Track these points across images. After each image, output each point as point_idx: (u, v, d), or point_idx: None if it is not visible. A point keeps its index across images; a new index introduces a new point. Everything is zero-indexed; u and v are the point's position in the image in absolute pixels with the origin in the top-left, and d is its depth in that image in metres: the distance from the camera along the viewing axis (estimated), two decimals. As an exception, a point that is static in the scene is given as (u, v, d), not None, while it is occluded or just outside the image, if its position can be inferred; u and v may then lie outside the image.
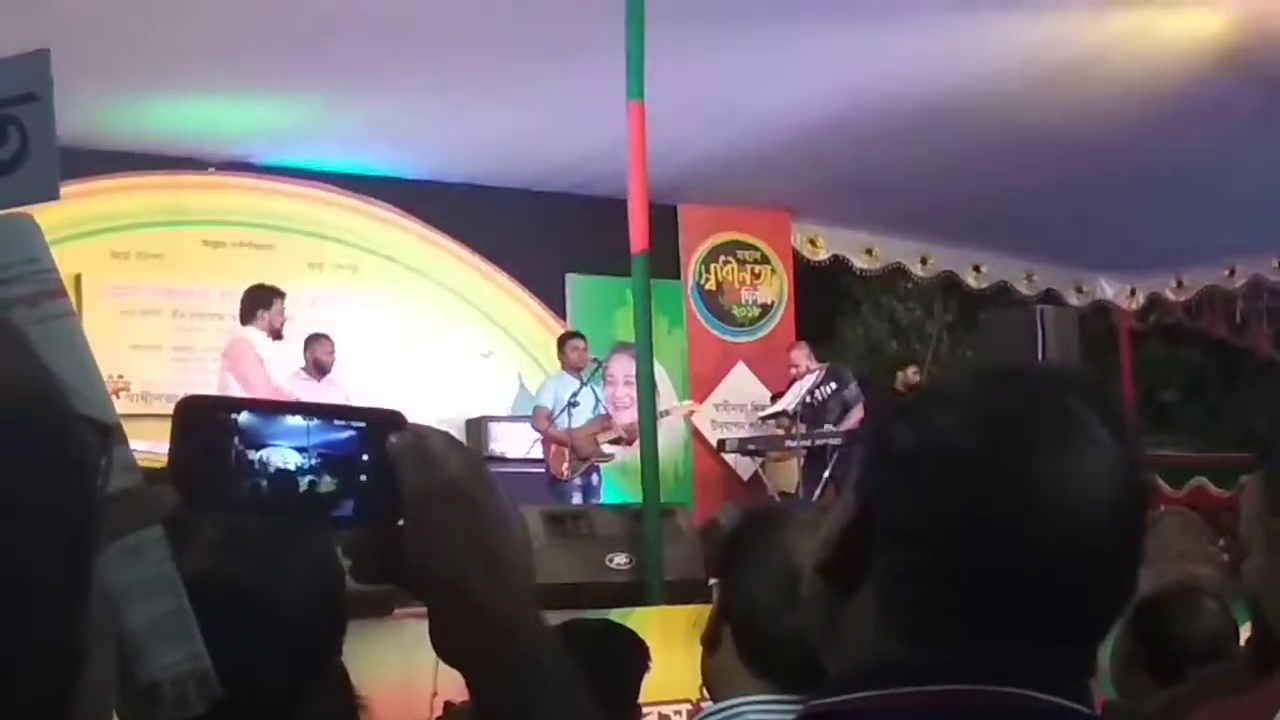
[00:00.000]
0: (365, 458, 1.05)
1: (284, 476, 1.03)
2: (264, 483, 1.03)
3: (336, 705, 2.40)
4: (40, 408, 0.60)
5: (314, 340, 10.00)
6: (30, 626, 0.57)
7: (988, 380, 1.22)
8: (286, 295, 9.82)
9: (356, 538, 1.09)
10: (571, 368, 10.65)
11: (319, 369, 9.94)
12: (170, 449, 1.01)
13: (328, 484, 1.04)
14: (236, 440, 1.02)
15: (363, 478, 1.04)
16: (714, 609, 2.10)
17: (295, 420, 1.05)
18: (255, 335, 9.63)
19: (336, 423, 1.06)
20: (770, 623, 1.94)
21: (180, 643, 0.89)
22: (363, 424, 1.06)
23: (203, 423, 1.03)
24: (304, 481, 1.04)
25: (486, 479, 1.10)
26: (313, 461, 1.04)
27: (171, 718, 0.87)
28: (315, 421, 1.05)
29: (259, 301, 9.69)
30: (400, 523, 1.04)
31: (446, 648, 1.07)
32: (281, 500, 1.04)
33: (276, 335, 9.68)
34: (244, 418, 1.03)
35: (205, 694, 0.90)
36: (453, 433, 1.13)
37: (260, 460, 1.03)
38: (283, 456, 1.03)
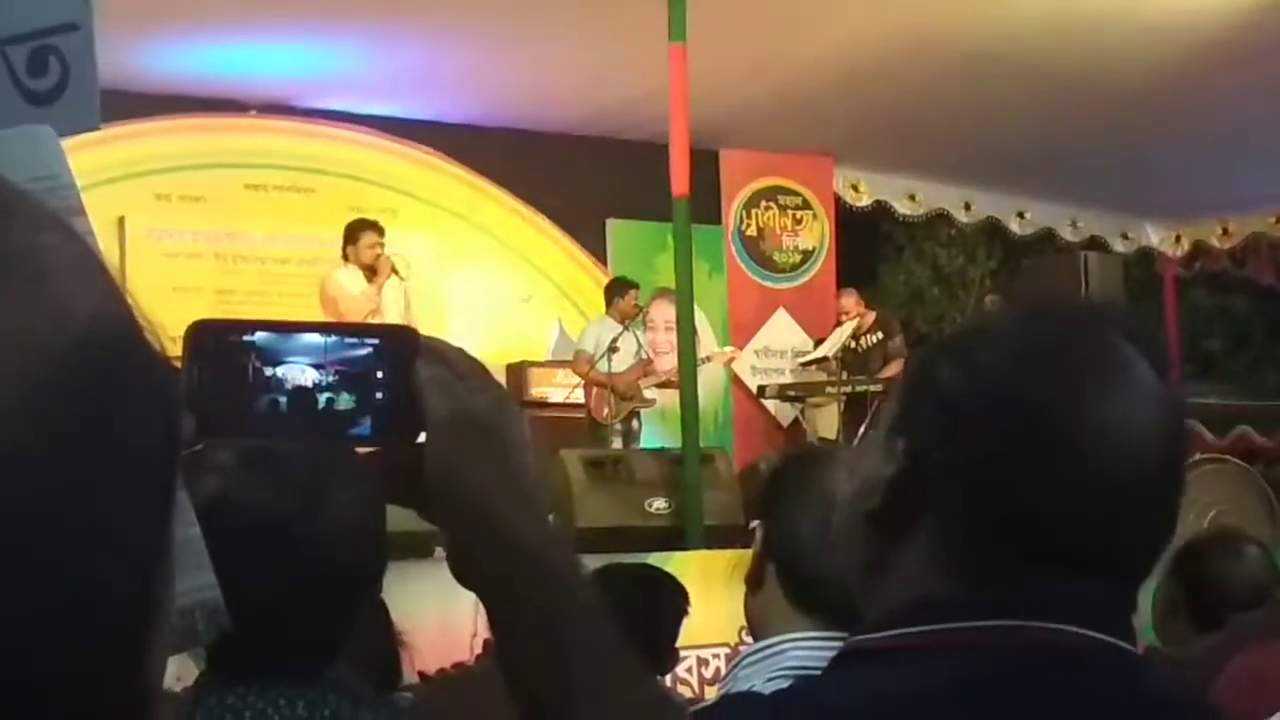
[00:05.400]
0: (380, 375, 1.04)
1: (302, 393, 1.02)
2: (282, 399, 1.02)
3: (377, 642, 2.41)
4: (136, 341, 0.59)
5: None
6: (123, 573, 0.56)
7: (1035, 319, 1.21)
8: (383, 229, 9.58)
9: (374, 456, 1.09)
10: (623, 316, 10.58)
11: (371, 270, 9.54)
12: (183, 373, 0.99)
13: (345, 401, 1.03)
14: (253, 358, 1.01)
15: (379, 396, 1.04)
16: (757, 548, 2.10)
17: (311, 337, 1.04)
18: (345, 273, 9.50)
19: (351, 340, 1.05)
20: (814, 561, 1.94)
21: (189, 573, 0.88)
22: (377, 340, 1.05)
23: (216, 345, 1.02)
24: (322, 398, 1.03)
25: (512, 404, 1.09)
26: (330, 378, 1.03)
27: (177, 649, 0.86)
28: (331, 338, 1.04)
29: (348, 237, 9.57)
30: (418, 442, 1.04)
31: (470, 573, 1.06)
32: (300, 417, 1.03)
33: (371, 271, 9.43)
34: (258, 336, 1.02)
35: (214, 625, 0.89)
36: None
37: (277, 376, 1.02)
38: (300, 372, 1.02)
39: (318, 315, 9.75)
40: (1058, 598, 1.12)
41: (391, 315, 9.38)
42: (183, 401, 0.63)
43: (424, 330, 1.11)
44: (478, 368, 1.08)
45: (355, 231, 9.58)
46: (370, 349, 1.04)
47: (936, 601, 1.13)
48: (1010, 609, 1.12)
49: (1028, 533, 1.13)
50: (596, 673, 1.06)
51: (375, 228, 9.61)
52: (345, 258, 9.56)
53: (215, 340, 1.02)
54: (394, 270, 9.51)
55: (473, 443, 1.04)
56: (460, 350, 1.08)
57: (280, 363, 1.02)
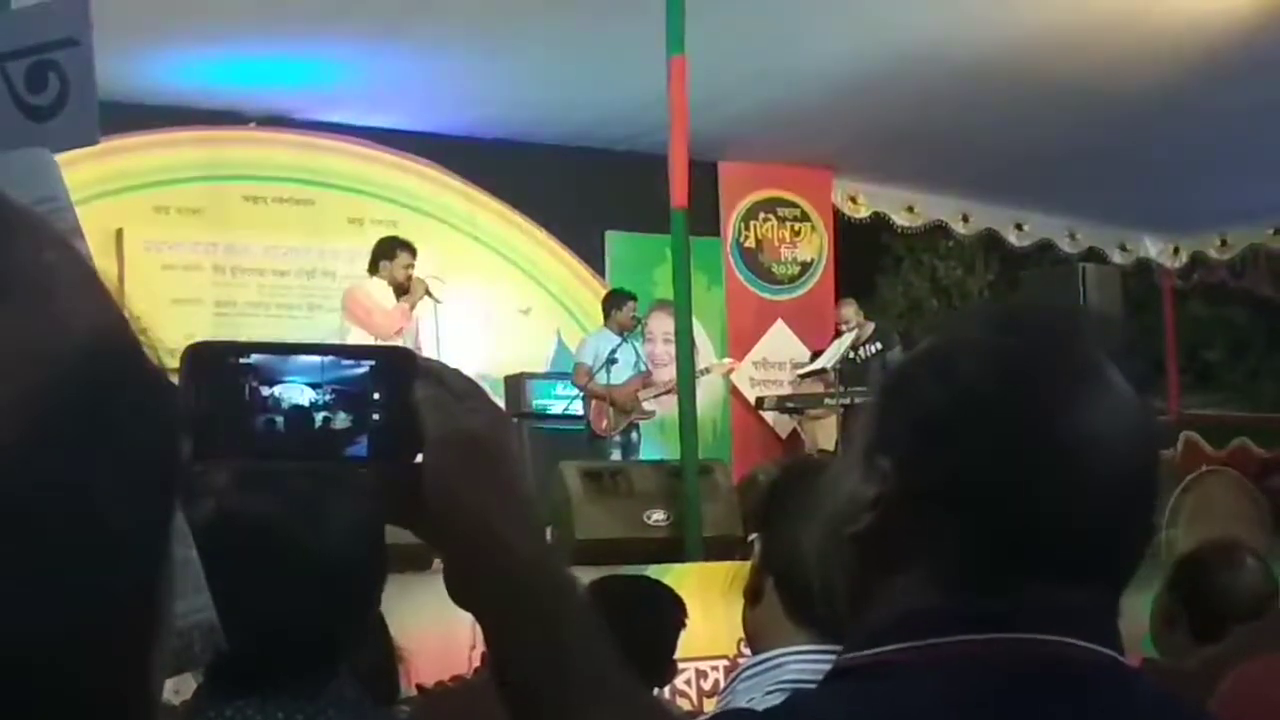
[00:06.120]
0: (377, 396, 1.04)
1: (299, 413, 1.02)
2: (279, 419, 1.02)
3: (375, 655, 2.41)
4: (135, 356, 0.59)
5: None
6: (123, 582, 0.56)
7: (1008, 328, 1.20)
8: (416, 250, 9.60)
9: (371, 477, 1.09)
10: (621, 328, 10.57)
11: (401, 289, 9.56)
12: (180, 393, 0.98)
13: (342, 421, 1.03)
14: (250, 378, 1.02)
15: (376, 416, 1.04)
16: (756, 561, 2.09)
17: (308, 357, 1.04)
18: (374, 285, 9.50)
19: (347, 360, 1.05)
20: (813, 573, 1.94)
21: (186, 595, 0.88)
22: (374, 361, 1.05)
23: (214, 366, 1.02)
24: (319, 418, 1.03)
25: (509, 425, 1.09)
26: (327, 398, 1.03)
27: (174, 670, 0.86)
28: (328, 358, 1.04)
29: (382, 252, 9.57)
30: (415, 463, 1.04)
31: (466, 591, 1.06)
32: (297, 437, 1.03)
33: (401, 289, 9.44)
34: (256, 357, 1.03)
35: (211, 646, 0.89)
36: (490, 389, 1.12)
37: (274, 396, 1.02)
38: (298, 392, 1.02)
39: (318, 326, 9.78)
40: (1050, 607, 1.11)
41: (425, 336, 9.41)
42: (183, 415, 0.63)
43: (427, 343, 1.11)
44: (474, 389, 1.08)
45: (392, 249, 9.57)
46: (367, 369, 1.04)
47: (926, 615, 1.12)
48: (1002, 621, 1.11)
49: (1021, 542, 1.12)
50: (592, 688, 1.06)
51: (410, 248, 9.61)
52: (373, 271, 9.56)
53: (212, 361, 1.02)
54: (428, 292, 9.50)
55: (469, 462, 1.04)
56: (457, 371, 1.08)
57: (277, 383, 1.02)
